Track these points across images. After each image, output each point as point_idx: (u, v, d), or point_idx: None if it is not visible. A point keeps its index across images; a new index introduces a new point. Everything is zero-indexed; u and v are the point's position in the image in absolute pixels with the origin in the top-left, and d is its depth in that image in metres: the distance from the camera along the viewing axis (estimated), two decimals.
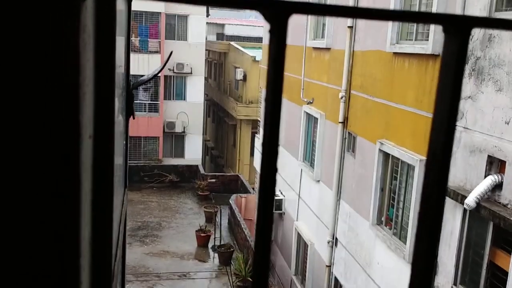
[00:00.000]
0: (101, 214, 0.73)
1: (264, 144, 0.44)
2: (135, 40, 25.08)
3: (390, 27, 8.83)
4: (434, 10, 7.50)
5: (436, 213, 0.49)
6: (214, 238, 17.86)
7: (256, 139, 20.01)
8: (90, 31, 0.50)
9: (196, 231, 18.14)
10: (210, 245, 17.94)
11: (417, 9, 8.29)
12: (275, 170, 0.46)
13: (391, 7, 8.77)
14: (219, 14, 43.80)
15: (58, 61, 0.44)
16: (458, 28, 0.46)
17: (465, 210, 6.65)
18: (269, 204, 0.48)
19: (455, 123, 0.44)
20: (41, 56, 0.44)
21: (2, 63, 0.46)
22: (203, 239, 17.89)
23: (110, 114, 0.70)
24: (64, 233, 0.53)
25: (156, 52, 25.64)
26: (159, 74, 24.95)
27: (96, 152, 0.60)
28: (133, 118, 1.90)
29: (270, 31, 0.44)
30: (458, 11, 7.02)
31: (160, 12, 25.76)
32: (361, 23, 10.26)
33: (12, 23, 0.47)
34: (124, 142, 1.74)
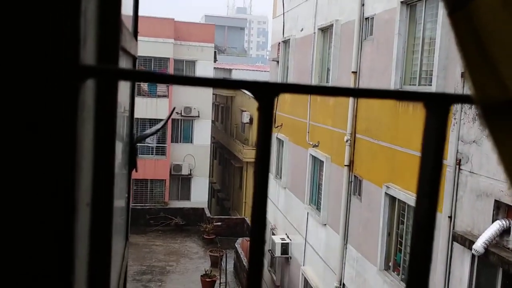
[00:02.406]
0: (98, 274, 0.73)
1: (252, 224, 0.46)
2: (143, 85, 25.50)
3: (393, 71, 8.96)
4: (436, 56, 7.62)
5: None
6: (220, 283, 17.53)
7: None
8: (90, 107, 0.53)
9: (201, 276, 17.84)
10: None
11: (419, 56, 8.43)
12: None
13: (394, 55, 8.92)
14: (227, 60, 44.68)
15: (54, 138, 0.46)
16: (438, 105, 0.49)
17: (473, 256, 6.53)
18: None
19: (436, 202, 0.46)
20: (36, 133, 0.47)
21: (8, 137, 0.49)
22: (208, 285, 17.56)
23: (110, 185, 0.72)
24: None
25: (164, 96, 26.02)
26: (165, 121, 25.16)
27: (94, 217, 0.61)
28: (136, 171, 1.93)
29: (258, 109, 0.46)
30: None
31: (169, 58, 26.31)
32: (365, 68, 10.42)
33: (14, 101, 0.50)
34: (127, 195, 1.76)
